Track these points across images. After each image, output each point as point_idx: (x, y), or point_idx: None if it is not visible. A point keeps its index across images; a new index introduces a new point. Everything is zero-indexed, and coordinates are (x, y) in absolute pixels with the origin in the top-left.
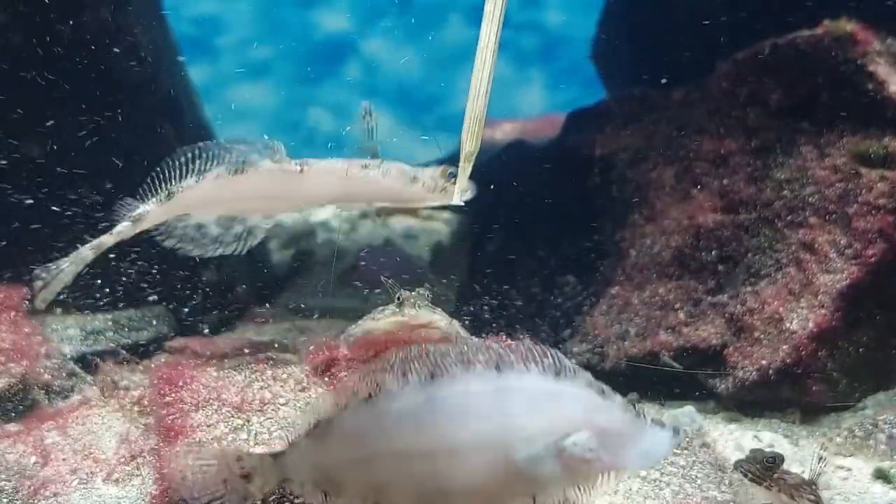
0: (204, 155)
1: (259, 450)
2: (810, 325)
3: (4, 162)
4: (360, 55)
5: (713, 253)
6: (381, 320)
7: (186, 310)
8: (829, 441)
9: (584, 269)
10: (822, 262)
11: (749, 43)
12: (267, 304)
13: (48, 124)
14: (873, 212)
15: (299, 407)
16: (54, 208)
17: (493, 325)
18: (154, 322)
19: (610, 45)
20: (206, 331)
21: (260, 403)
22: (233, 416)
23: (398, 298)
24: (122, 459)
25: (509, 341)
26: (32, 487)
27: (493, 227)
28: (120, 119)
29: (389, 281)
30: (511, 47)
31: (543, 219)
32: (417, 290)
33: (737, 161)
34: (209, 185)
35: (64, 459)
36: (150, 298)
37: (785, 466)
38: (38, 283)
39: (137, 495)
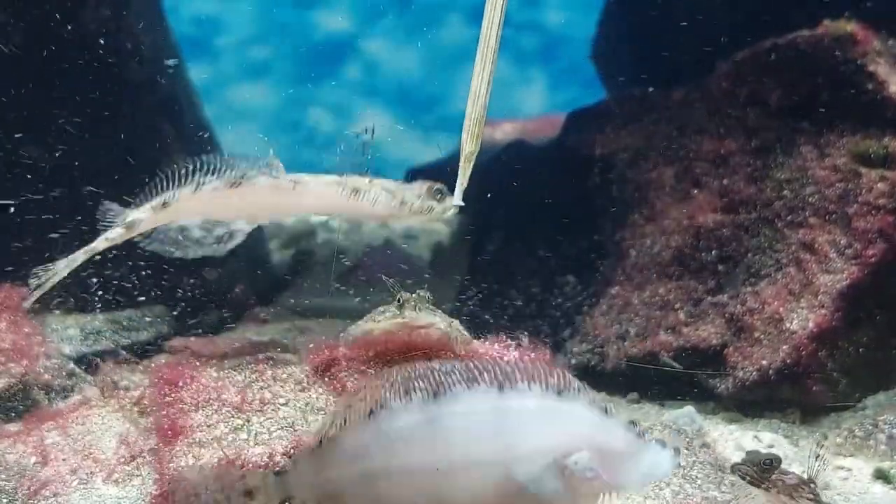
0: (205, 167)
1: (259, 450)
2: (810, 325)
3: (4, 162)
4: (360, 55)
5: (713, 253)
6: (381, 321)
7: (187, 309)
8: (827, 441)
9: (584, 269)
10: (822, 262)
11: (749, 43)
12: (267, 305)
13: (48, 124)
14: (873, 212)
15: (299, 407)
16: (54, 208)
17: (493, 325)
18: (154, 322)
19: (610, 45)
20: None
21: (260, 403)
22: (233, 416)
23: (399, 300)
24: (122, 460)
25: (509, 342)
26: (32, 487)
27: (493, 227)
28: (120, 119)
29: (390, 282)
30: (511, 47)
31: (543, 219)
32: (418, 292)
33: (737, 161)
34: (205, 196)
35: (64, 459)
36: (150, 298)
37: (785, 466)
38: (34, 282)
39: (137, 495)
